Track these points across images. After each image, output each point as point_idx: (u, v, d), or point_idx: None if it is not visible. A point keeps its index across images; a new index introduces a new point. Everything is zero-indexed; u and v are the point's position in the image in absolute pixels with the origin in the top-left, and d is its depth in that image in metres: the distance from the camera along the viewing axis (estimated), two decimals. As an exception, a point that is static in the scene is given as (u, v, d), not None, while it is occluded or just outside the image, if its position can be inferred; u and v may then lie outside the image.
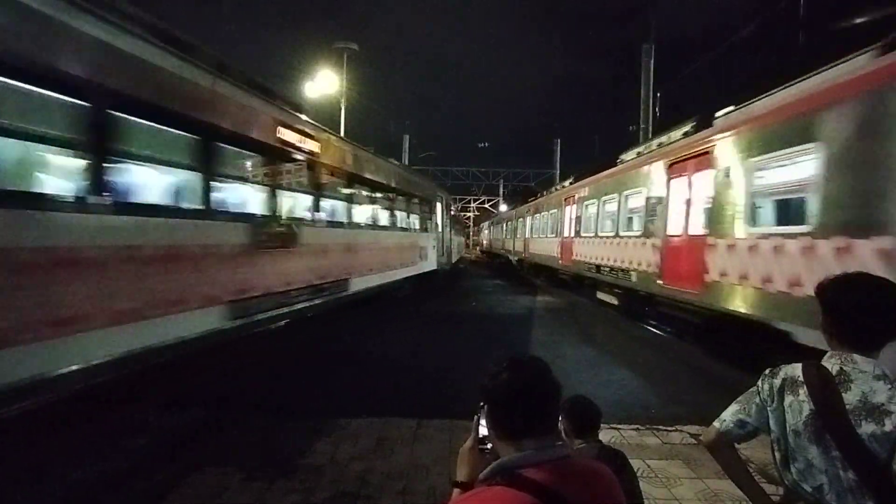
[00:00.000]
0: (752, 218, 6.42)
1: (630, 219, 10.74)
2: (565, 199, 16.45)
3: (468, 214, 56.02)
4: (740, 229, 6.50)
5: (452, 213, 27.84)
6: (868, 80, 4.91)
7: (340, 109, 20.57)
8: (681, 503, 3.50)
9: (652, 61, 17.52)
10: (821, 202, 5.22)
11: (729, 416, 1.59)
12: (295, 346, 7.69)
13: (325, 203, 8.52)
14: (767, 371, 1.56)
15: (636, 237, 9.96)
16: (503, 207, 47.39)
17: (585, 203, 13.93)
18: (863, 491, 1.32)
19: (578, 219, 14.54)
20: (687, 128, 8.98)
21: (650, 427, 4.89)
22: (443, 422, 4.82)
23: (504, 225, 34.62)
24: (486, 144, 62.66)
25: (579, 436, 2.11)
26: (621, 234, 10.93)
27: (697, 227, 7.66)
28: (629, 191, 10.65)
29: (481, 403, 1.26)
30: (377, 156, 11.78)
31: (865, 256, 4.60)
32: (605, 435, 4.39)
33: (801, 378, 1.45)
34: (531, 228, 23.17)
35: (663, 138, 10.14)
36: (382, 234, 11.26)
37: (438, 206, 17.55)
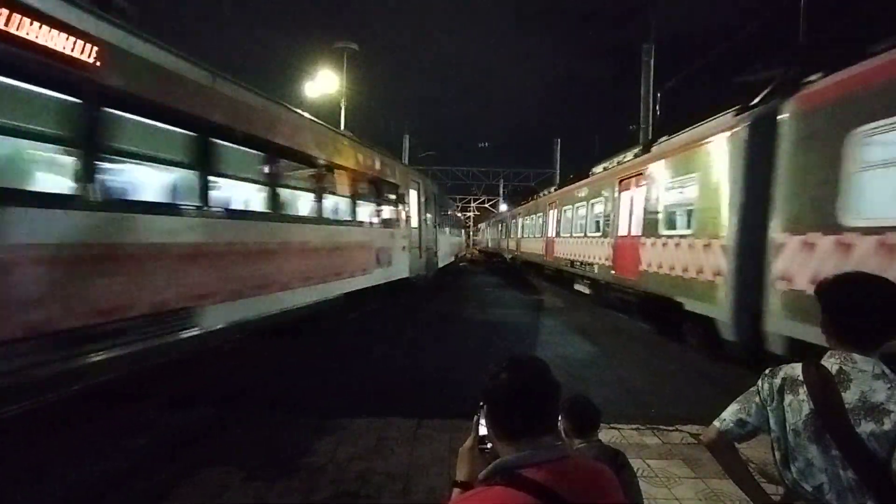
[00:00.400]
0: (666, 223, 8.73)
1: (596, 222, 13.03)
2: (549, 204, 19.21)
3: (468, 214, 55.99)
4: (659, 232, 8.82)
5: (446, 209, 24.08)
6: (724, 130, 7.13)
7: (341, 109, 20.56)
8: (681, 503, 3.50)
9: (652, 61, 17.51)
10: (697, 214, 7.69)
11: (729, 415, 1.59)
12: (295, 346, 7.69)
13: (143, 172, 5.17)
14: (767, 371, 1.57)
15: (598, 237, 12.50)
16: (503, 207, 47.43)
17: (564, 208, 16.61)
18: (863, 490, 1.32)
19: (559, 221, 17.19)
20: (637, 150, 11.57)
21: (650, 426, 4.89)
22: (443, 422, 4.82)
23: (499, 226, 37.93)
24: (487, 144, 62.65)
25: (579, 435, 2.11)
26: (588, 234, 13.47)
27: (636, 229, 9.87)
28: (594, 199, 13.19)
29: (481, 403, 1.27)
30: (295, 112, 7.77)
31: (717, 251, 6.98)
32: (605, 434, 4.40)
33: (801, 377, 1.45)
34: (522, 229, 26.02)
35: (621, 157, 12.50)
36: (293, 229, 7.17)
37: (413, 194, 13.33)
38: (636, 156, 11.01)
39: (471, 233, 55.16)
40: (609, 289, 11.62)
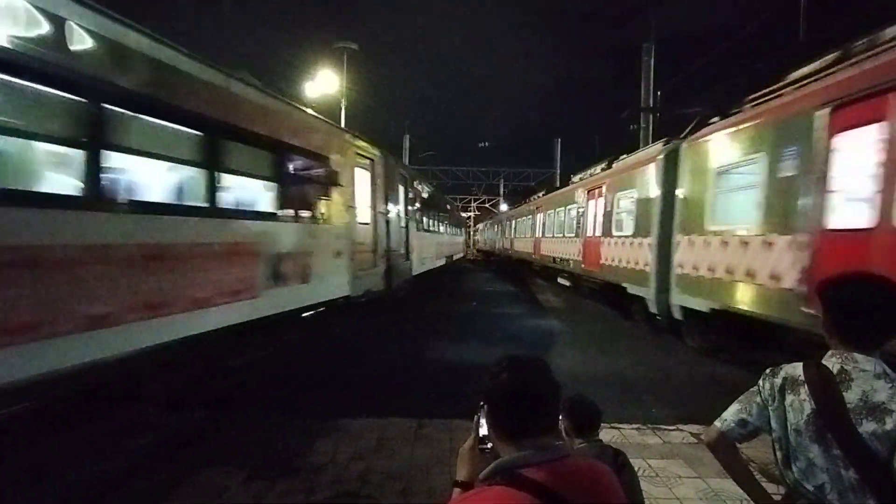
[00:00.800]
0: (617, 227, 11.19)
1: (571, 225, 15.48)
2: (536, 208, 21.90)
3: (469, 214, 55.98)
4: (613, 233, 11.37)
5: (437, 201, 19.94)
6: (651, 158, 9.47)
7: (341, 109, 20.56)
8: (682, 502, 3.49)
9: (652, 60, 17.51)
10: (635, 220, 10.06)
11: (730, 415, 1.59)
12: (295, 345, 7.68)
13: None
14: (768, 370, 1.56)
15: (572, 237, 15.00)
16: (504, 207, 47.52)
17: (548, 212, 19.16)
18: (864, 490, 1.31)
19: (544, 224, 19.72)
20: (604, 164, 13.63)
21: (651, 426, 4.89)
22: (443, 422, 4.82)
23: (495, 227, 40.83)
24: (487, 144, 62.44)
25: (579, 435, 2.11)
26: (566, 235, 15.97)
27: (598, 231, 12.40)
28: (570, 206, 15.61)
29: (481, 403, 1.26)
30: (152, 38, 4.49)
31: (646, 247, 9.26)
32: (606, 434, 4.39)
33: (802, 377, 1.45)
34: (514, 230, 28.64)
35: (593, 169, 14.80)
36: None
37: (362, 175, 9.19)
38: (602, 170, 13.45)
39: (471, 233, 55.19)
40: (581, 280, 14.29)
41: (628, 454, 2.15)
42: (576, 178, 16.85)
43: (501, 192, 52.09)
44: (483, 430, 1.29)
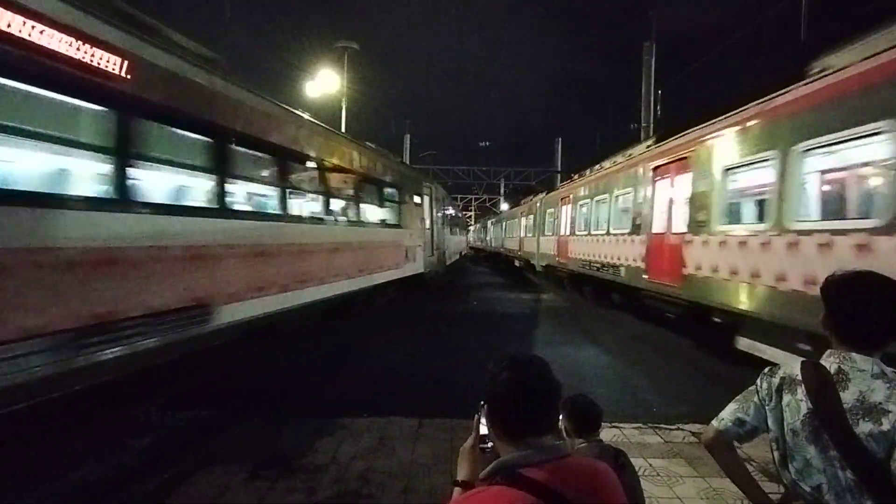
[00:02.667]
0: (583, 227, 13.82)
1: (549, 224, 18.85)
2: (520, 213, 27.27)
3: (469, 213, 56.06)
4: (578, 231, 14.33)
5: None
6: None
7: (341, 109, 20.55)
8: (683, 502, 3.50)
9: (653, 59, 17.49)
10: (591, 222, 13.08)
11: (727, 414, 1.58)
12: (296, 345, 7.70)
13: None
14: (766, 370, 1.56)
15: (550, 235, 18.39)
16: (504, 206, 47.64)
17: (527, 215, 24.45)
18: (861, 490, 1.31)
19: (525, 226, 24.73)
20: (576, 176, 17.44)
21: (652, 425, 4.90)
22: (444, 421, 4.82)
23: (487, 228, 48.28)
24: (488, 143, 62.44)
25: (580, 435, 2.11)
26: (545, 234, 19.39)
27: (568, 230, 15.51)
28: (548, 209, 19.22)
29: (482, 402, 1.27)
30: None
31: (613, 243, 11.12)
32: (607, 433, 4.38)
33: (800, 377, 1.44)
34: (504, 230, 34.56)
35: (567, 182, 19.01)
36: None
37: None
38: (570, 180, 17.72)
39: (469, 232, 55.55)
40: (555, 269, 17.74)
41: (629, 453, 2.15)
42: (557, 187, 20.03)
43: (502, 191, 52.06)
44: (483, 430, 1.29)
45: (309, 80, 19.12)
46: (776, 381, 1.50)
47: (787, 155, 5.44)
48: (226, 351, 5.80)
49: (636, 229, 9.71)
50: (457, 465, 1.36)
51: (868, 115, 4.50)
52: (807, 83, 5.47)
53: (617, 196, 11.22)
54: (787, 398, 1.45)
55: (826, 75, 5.24)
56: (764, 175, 5.94)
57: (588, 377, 6.80)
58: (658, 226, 8.82)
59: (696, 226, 7.26)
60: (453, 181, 46.91)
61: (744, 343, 6.22)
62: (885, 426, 1.29)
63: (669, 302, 8.20)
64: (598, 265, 12.13)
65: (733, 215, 6.75)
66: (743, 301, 6.13)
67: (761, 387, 1.54)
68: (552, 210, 18.32)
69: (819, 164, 5.28)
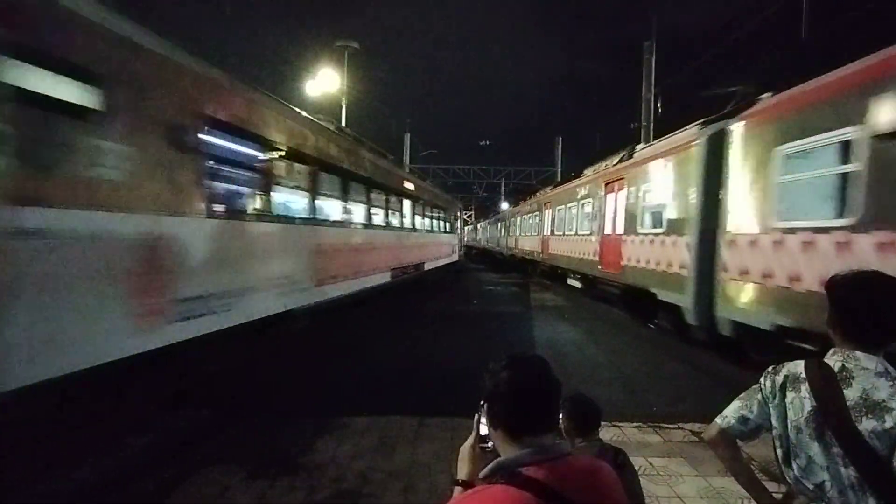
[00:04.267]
0: (556, 228, 17.47)
1: (533, 226, 22.32)
2: (510, 215, 32.11)
3: (469, 213, 56.15)
4: (554, 232, 17.76)
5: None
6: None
7: (342, 108, 20.54)
8: (683, 501, 3.49)
9: (653, 58, 17.47)
10: (573, 223, 15.23)
11: (731, 412, 1.58)
12: (296, 345, 7.70)
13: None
14: (770, 368, 1.56)
15: (534, 235, 21.97)
16: (504, 206, 47.72)
17: (512, 218, 30.19)
18: (864, 488, 1.31)
19: (511, 228, 29.88)
20: (556, 182, 22.41)
21: (652, 424, 4.89)
22: (444, 420, 4.82)
23: (479, 229, 56.19)
24: (488, 142, 62.33)
25: (580, 434, 2.11)
26: (531, 234, 23.21)
27: (549, 231, 18.72)
28: (535, 212, 22.27)
29: (482, 402, 1.26)
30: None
31: (588, 242, 13.24)
32: (607, 433, 4.40)
33: (803, 375, 1.44)
34: (496, 230, 39.22)
35: (550, 188, 22.19)
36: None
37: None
38: (554, 188, 20.38)
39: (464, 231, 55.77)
40: (539, 264, 21.13)
41: (629, 452, 2.15)
42: (546, 190, 22.85)
43: (502, 190, 52.09)
44: (483, 429, 1.29)
45: (309, 80, 19.10)
46: (780, 378, 1.50)
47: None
48: (226, 351, 5.79)
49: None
50: (457, 465, 1.35)
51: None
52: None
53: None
54: (790, 396, 1.45)
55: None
56: (660, 196, 9.11)
57: (588, 376, 6.80)
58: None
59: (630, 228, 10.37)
60: (453, 180, 46.99)
61: (661, 317, 9.28)
62: (889, 424, 1.29)
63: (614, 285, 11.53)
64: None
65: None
66: (655, 284, 8.92)
67: (765, 384, 1.54)
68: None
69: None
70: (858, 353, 1.40)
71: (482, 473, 1.18)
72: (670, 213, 8.44)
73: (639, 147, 11.74)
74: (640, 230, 9.69)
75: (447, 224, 21.31)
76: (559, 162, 40.26)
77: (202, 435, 4.64)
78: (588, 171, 14.98)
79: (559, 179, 28.10)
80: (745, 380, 1.76)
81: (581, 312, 12.92)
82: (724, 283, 6.65)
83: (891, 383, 1.34)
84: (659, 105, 17.51)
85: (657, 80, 17.56)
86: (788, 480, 1.49)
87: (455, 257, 23.80)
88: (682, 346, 8.59)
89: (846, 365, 1.40)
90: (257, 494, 3.56)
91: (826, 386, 1.39)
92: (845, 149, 4.91)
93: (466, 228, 58.73)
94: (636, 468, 2.21)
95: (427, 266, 16.33)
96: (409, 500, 3.53)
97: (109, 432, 4.56)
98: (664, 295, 8.44)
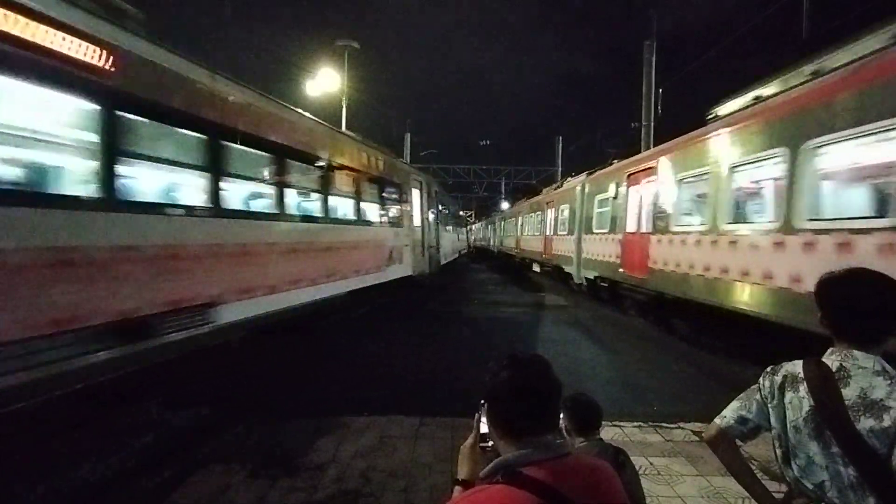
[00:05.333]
0: (554, 228, 18.13)
1: (535, 226, 22.81)
2: (509, 215, 34.35)
3: (470, 212, 56.16)
4: (557, 232, 17.85)
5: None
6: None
7: (342, 107, 20.53)
8: (683, 500, 3.49)
9: (654, 58, 17.45)
10: (565, 224, 16.60)
11: (730, 412, 1.59)
12: (296, 345, 7.69)
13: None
14: (769, 368, 1.56)
15: (536, 235, 22.48)
16: (505, 205, 47.77)
17: (510, 219, 32.27)
18: (863, 487, 1.31)
19: (508, 227, 32.92)
20: (554, 186, 21.71)
21: (652, 424, 4.89)
22: (445, 420, 4.82)
23: (477, 229, 60.26)
24: (489, 142, 62.49)
25: (580, 434, 2.11)
26: (531, 234, 24.28)
27: (552, 230, 18.82)
28: (532, 213, 23.88)
29: (482, 401, 1.26)
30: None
31: (572, 242, 15.25)
32: (607, 432, 4.39)
33: (802, 374, 1.45)
34: (494, 230, 42.83)
35: (546, 190, 23.09)
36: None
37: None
38: (556, 189, 20.65)
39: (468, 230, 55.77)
40: (542, 263, 21.64)
41: (630, 452, 2.15)
42: (543, 192, 23.63)
43: (503, 190, 52.07)
44: (484, 429, 1.29)
45: (309, 79, 19.08)
46: (778, 378, 1.50)
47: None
48: (227, 350, 5.79)
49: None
50: (457, 464, 1.35)
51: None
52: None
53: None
54: (789, 395, 1.45)
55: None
56: (565, 212, 16.19)
57: (589, 376, 6.80)
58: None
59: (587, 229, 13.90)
60: (454, 180, 47.00)
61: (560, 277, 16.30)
62: (887, 423, 1.29)
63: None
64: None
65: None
66: (564, 262, 16.26)
67: (764, 385, 1.54)
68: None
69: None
70: (856, 353, 1.40)
71: (482, 473, 1.18)
72: (568, 222, 16.05)
73: (565, 181, 19.02)
74: (559, 232, 17.45)
75: (394, 208, 11.45)
76: (559, 161, 40.27)
77: (204, 434, 4.65)
78: (543, 192, 22.92)
79: (559, 180, 28.13)
80: (745, 379, 1.76)
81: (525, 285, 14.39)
82: (582, 257, 14.15)
83: (888, 382, 1.34)
84: (659, 106, 17.50)
85: (658, 79, 17.55)
86: (788, 480, 1.49)
87: (409, 268, 12.30)
88: (683, 346, 8.60)
89: (844, 364, 1.40)
90: (257, 494, 3.56)
91: (824, 385, 1.39)
92: (615, 197, 11.57)
93: (473, 228, 60.25)
94: (637, 468, 2.21)
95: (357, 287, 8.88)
96: (410, 500, 3.53)
97: (110, 432, 4.57)
98: (567, 268, 15.81)
